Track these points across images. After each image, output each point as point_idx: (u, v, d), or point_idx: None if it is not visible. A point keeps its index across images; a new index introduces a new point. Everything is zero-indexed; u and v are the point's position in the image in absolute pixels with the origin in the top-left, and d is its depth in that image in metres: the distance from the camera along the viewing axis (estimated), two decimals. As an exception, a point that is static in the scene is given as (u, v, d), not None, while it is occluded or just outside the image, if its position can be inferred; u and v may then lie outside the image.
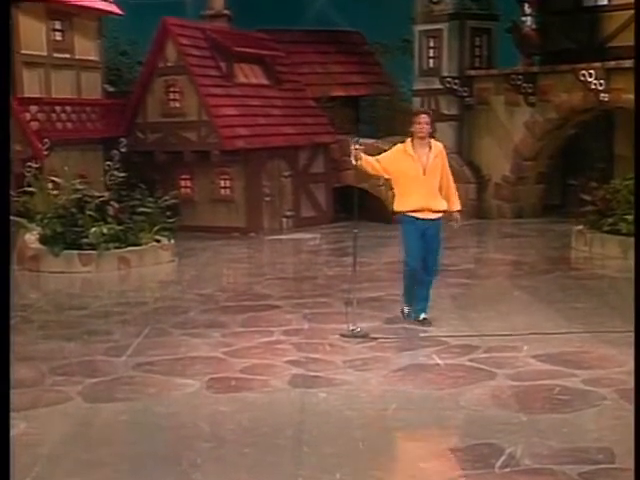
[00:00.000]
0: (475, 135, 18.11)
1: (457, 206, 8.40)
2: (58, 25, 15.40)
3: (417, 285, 8.30)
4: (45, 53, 15.14)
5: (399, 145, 8.17)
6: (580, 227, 13.29)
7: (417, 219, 8.08)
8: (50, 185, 13.55)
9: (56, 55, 15.34)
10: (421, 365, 7.12)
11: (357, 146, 8.00)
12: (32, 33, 14.84)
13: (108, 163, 16.14)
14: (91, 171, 15.80)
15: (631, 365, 6.96)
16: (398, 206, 8.24)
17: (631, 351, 7.32)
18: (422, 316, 8.34)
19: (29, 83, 14.89)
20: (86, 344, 8.02)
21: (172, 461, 5.24)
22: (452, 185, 8.32)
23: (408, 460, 5.39)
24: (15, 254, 12.71)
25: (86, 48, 15.95)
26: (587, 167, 17.82)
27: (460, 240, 14.60)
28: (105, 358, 7.53)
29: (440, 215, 8.22)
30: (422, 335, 8.07)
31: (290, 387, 6.60)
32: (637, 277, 8.39)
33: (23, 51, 14.68)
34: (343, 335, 8.02)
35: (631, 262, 11.91)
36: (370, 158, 8.18)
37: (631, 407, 5.97)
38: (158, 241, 12.92)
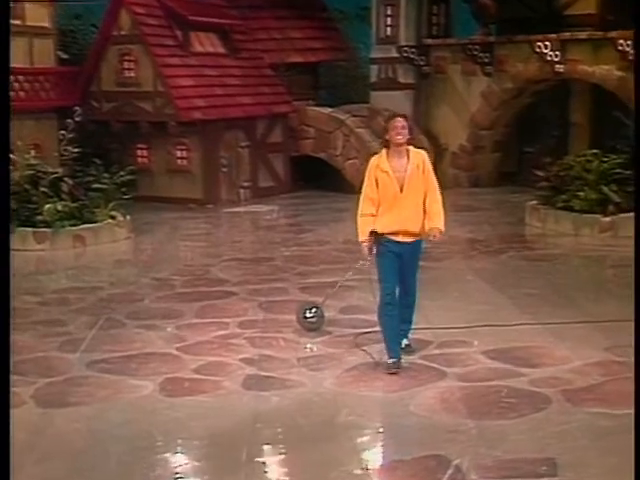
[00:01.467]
0: (432, 104, 18.14)
1: (439, 225, 7.01)
2: (9, -8, 15.07)
3: (400, 308, 7.22)
4: (-5, 21, 14.81)
5: (372, 160, 6.99)
6: (534, 202, 13.42)
7: (393, 242, 6.93)
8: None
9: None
10: (374, 364, 7.18)
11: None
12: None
13: (62, 132, 15.94)
14: (45, 140, 15.66)
15: (578, 362, 7.18)
16: (375, 226, 6.99)
17: (580, 345, 7.55)
18: (404, 342, 7.39)
19: (-21, 52, 14.58)
20: (41, 337, 8.00)
21: (123, 477, 5.29)
22: (437, 200, 7.01)
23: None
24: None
25: (38, 15, 15.67)
26: (543, 135, 18.00)
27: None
28: (59, 354, 7.54)
29: (420, 236, 7.09)
30: (376, 329, 8.12)
31: (243, 390, 6.66)
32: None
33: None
34: (298, 320, 8.11)
35: (584, 239, 12.24)
36: (368, 219, 7.01)
37: (575, 410, 6.18)
38: (114, 218, 12.86)
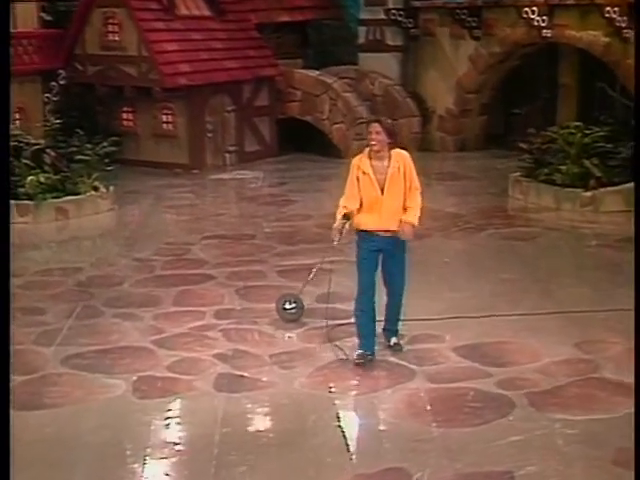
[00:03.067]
0: (420, 67, 18.02)
1: (411, 219, 7.15)
2: (-10, -47, 14.86)
3: (387, 308, 7.55)
4: (-25, -16, 14.64)
5: (354, 160, 7.17)
6: (517, 174, 13.45)
7: (374, 238, 7.14)
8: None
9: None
10: (344, 362, 7.29)
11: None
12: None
13: (47, 95, 15.92)
14: (30, 104, 15.59)
15: (546, 359, 7.30)
16: (356, 224, 7.23)
17: (551, 339, 7.67)
18: (392, 340, 7.54)
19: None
20: (18, 328, 8.06)
21: (92, 490, 5.43)
22: (415, 200, 7.17)
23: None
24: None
25: (20, -24, 15.46)
26: (531, 96, 17.92)
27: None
28: (35, 348, 7.65)
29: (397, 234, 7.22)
30: (350, 320, 8.21)
31: (214, 391, 6.77)
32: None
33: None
34: (278, 309, 8.21)
35: (564, 214, 12.30)
36: (346, 212, 7.21)
37: (538, 416, 6.30)
38: (97, 189, 12.87)
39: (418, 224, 7.27)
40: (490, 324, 8.09)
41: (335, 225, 7.30)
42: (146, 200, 13.82)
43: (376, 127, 6.93)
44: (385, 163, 7.02)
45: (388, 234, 7.16)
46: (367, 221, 7.14)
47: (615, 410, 6.27)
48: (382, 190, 7.01)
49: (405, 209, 7.14)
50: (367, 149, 7.10)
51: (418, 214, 7.21)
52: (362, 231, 7.21)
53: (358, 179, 7.07)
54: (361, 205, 7.14)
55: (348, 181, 7.18)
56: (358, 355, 7.22)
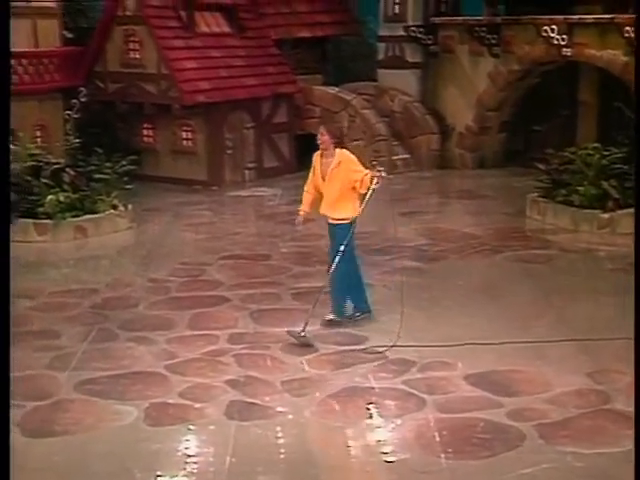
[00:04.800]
0: (439, 84, 18.04)
1: (343, 214, 8.52)
2: (12, -28, 15.02)
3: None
4: (-1, 3, 14.79)
5: (314, 155, 8.69)
6: (535, 195, 13.42)
7: (327, 221, 8.70)
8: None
9: (11, 4, 14.96)
10: (355, 389, 7.31)
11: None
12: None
13: (68, 112, 16.05)
14: (51, 121, 15.70)
15: (557, 389, 7.28)
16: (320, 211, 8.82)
17: (563, 368, 7.64)
18: (327, 317, 8.71)
19: (-17, 36, 14.60)
20: (31, 352, 8.15)
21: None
22: (350, 196, 8.47)
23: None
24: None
25: (43, -5, 15.59)
26: (551, 114, 17.89)
27: (418, 202, 14.81)
28: (48, 372, 7.70)
29: (339, 221, 8.53)
30: (362, 346, 8.24)
31: (225, 418, 6.80)
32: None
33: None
34: (290, 334, 8.24)
35: (582, 235, 12.26)
36: (307, 195, 8.84)
37: (547, 448, 6.28)
38: (115, 207, 12.96)
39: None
40: (502, 351, 8.07)
41: (299, 211, 8.90)
42: (164, 218, 13.90)
43: (322, 131, 8.49)
44: (330, 160, 8.48)
45: (331, 220, 8.60)
46: (321, 205, 8.70)
47: (625, 444, 6.22)
48: (324, 179, 8.51)
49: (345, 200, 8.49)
50: (320, 152, 8.60)
51: (367, 177, 8.34)
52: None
53: (314, 171, 8.67)
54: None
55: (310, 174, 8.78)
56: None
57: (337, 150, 8.53)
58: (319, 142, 8.53)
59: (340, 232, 8.50)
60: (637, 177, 11.49)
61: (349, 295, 8.77)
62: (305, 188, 8.85)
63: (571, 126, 17.53)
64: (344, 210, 8.50)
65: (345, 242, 8.38)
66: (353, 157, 8.55)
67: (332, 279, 8.58)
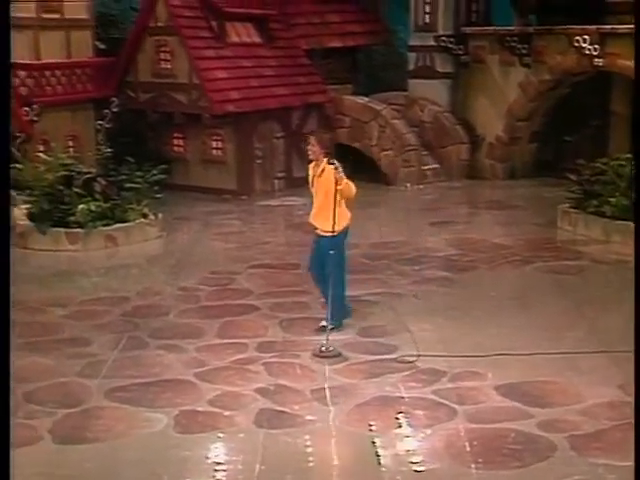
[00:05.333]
0: (470, 94, 18.02)
1: (327, 226, 8.43)
2: (46, -15, 15.20)
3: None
4: (34, 15, 14.99)
5: (310, 166, 8.77)
6: (566, 205, 13.34)
7: (316, 231, 8.74)
8: (39, 156, 13.63)
9: (45, 16, 15.18)
10: (385, 398, 7.28)
11: None
12: (20, -5, 14.68)
13: (100, 122, 16.18)
14: (82, 131, 15.90)
15: (589, 400, 7.21)
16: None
17: (594, 379, 7.58)
18: (321, 323, 8.64)
19: (18, 46, 14.67)
20: (63, 359, 8.20)
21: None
22: (329, 207, 8.30)
23: None
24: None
25: (75, 7, 15.71)
26: (582, 124, 17.79)
27: (448, 212, 14.79)
28: (79, 380, 7.73)
29: (327, 233, 8.51)
30: (392, 355, 8.21)
31: (254, 427, 6.79)
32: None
33: (11, 14, 14.50)
34: (315, 355, 8.17)
35: (613, 246, 12.14)
36: None
37: (579, 460, 6.23)
38: (146, 216, 13.03)
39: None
40: (533, 362, 8.01)
41: None
42: (194, 227, 13.96)
43: (312, 141, 8.53)
44: (319, 170, 8.50)
45: (321, 232, 8.62)
46: (312, 218, 8.76)
47: (658, 456, 6.15)
48: (312, 185, 8.61)
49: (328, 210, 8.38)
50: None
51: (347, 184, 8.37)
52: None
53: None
54: None
55: None
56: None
57: (325, 160, 8.49)
58: (309, 152, 8.57)
59: (327, 242, 8.52)
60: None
61: (343, 302, 8.85)
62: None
63: (602, 137, 17.41)
64: (329, 221, 8.38)
65: (332, 251, 8.42)
66: (328, 170, 8.35)
67: (327, 291, 8.53)
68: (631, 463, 6.03)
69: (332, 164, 8.30)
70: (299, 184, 16.83)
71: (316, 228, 8.71)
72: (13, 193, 13.08)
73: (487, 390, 7.43)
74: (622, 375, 7.66)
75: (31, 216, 12.54)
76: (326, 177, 8.41)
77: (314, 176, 8.56)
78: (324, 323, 8.57)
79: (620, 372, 7.73)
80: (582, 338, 8.67)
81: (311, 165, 8.68)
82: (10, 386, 5.40)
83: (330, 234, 8.45)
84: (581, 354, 8.18)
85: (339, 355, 8.18)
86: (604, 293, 10.39)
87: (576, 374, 7.74)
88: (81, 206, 12.42)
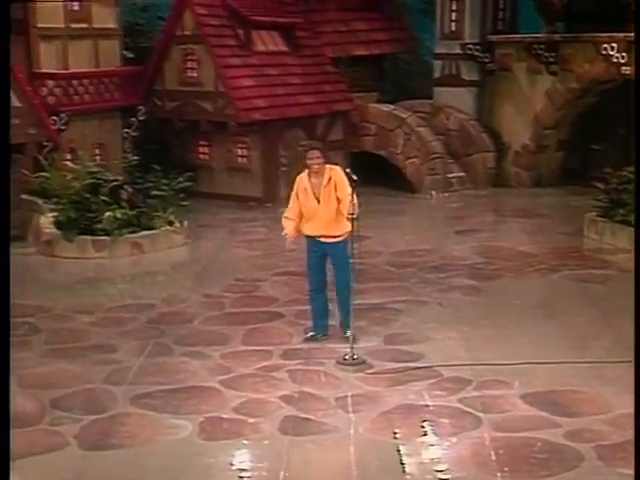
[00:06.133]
0: (496, 102, 17.94)
1: (344, 229, 8.40)
2: (75, -5, 15.33)
3: (338, 303, 8.78)
4: (62, 25, 15.11)
5: (298, 178, 8.66)
6: (593, 214, 13.25)
7: (318, 243, 8.61)
8: (66, 164, 13.75)
9: (73, 26, 15.29)
10: (410, 407, 7.26)
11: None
12: (49, 5, 14.80)
13: (126, 131, 16.28)
14: (109, 139, 16.01)
15: (617, 410, 7.14)
16: (303, 230, 8.75)
17: (621, 389, 7.50)
18: (347, 332, 8.44)
19: (46, 56, 14.95)
20: (89, 366, 8.24)
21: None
22: (344, 207, 8.24)
23: None
24: (31, 235, 12.98)
25: (103, 16, 15.86)
26: (610, 132, 17.67)
27: (473, 220, 14.73)
28: (105, 386, 7.77)
29: (341, 237, 8.51)
30: (417, 364, 8.19)
31: (279, 434, 6.79)
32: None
33: (40, 25, 14.71)
34: (340, 362, 8.16)
35: None
36: (290, 221, 8.75)
37: (606, 470, 6.18)
38: (171, 224, 13.08)
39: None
40: (560, 371, 7.96)
41: (286, 235, 8.85)
42: (219, 234, 14.00)
43: (316, 153, 8.45)
44: (321, 179, 8.42)
45: (327, 239, 8.56)
46: (311, 228, 8.62)
47: (687, 467, 6.08)
48: (318, 200, 8.43)
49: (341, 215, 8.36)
50: (307, 170, 8.51)
51: (349, 208, 8.14)
52: (307, 237, 8.75)
53: (298, 195, 8.58)
54: (303, 216, 8.61)
55: (291, 197, 8.72)
56: (310, 335, 8.83)
57: (327, 167, 8.45)
58: (313, 164, 8.41)
59: (341, 249, 8.50)
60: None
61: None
62: (286, 214, 8.76)
63: (630, 145, 17.25)
64: (341, 227, 8.42)
65: (350, 258, 8.34)
66: (342, 175, 8.38)
67: (342, 295, 8.63)
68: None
69: (348, 175, 8.23)
70: (324, 192, 16.90)
71: (315, 237, 8.61)
72: (40, 201, 13.26)
73: (513, 399, 7.39)
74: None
75: (58, 224, 12.62)
76: (336, 185, 8.36)
77: (319, 187, 8.40)
78: (349, 332, 8.46)
79: (648, 382, 7.65)
80: (609, 347, 8.61)
81: (304, 177, 8.54)
82: (9, 391, 5.43)
83: (342, 240, 8.47)
84: (608, 363, 8.11)
85: (364, 363, 8.16)
86: (631, 302, 10.20)
87: (603, 383, 7.68)
88: (107, 214, 12.48)
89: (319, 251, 8.68)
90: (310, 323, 9.12)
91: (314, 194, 8.45)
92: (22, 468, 6.20)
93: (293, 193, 8.70)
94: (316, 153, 8.46)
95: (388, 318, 9.55)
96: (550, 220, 14.60)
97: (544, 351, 8.45)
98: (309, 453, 6.51)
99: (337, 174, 8.46)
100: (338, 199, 8.37)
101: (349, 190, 8.19)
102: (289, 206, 8.75)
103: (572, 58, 16.62)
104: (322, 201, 8.44)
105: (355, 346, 8.25)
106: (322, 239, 8.59)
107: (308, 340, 8.80)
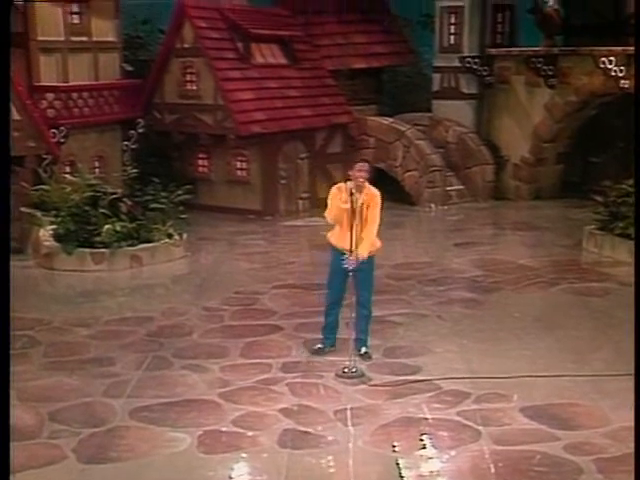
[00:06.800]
0: (494, 115, 17.99)
1: (362, 252, 8.27)
2: (75, 8, 15.30)
3: (355, 318, 8.59)
4: (62, 38, 15.11)
5: (335, 189, 8.50)
6: (592, 227, 13.26)
7: (344, 255, 8.34)
8: (66, 177, 13.75)
9: (73, 39, 15.29)
10: (409, 420, 7.25)
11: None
12: (49, 18, 14.83)
13: (126, 143, 16.30)
14: (109, 152, 15.98)
15: (616, 424, 7.13)
16: (331, 239, 8.67)
17: (620, 402, 7.50)
18: (363, 350, 8.58)
19: (46, 69, 14.94)
20: (88, 379, 8.22)
21: None
22: (371, 232, 8.32)
23: None
24: (30, 248, 12.98)
25: (103, 29, 15.86)
26: (609, 145, 17.71)
27: (473, 233, 14.74)
28: (104, 400, 7.74)
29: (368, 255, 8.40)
30: (417, 377, 8.18)
31: (278, 447, 6.78)
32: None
33: (40, 37, 14.73)
34: (339, 376, 8.15)
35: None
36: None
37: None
38: (170, 237, 13.07)
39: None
40: (559, 384, 7.96)
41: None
42: (218, 247, 14.00)
43: (365, 166, 8.35)
44: (360, 195, 8.25)
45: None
46: (340, 241, 8.45)
47: (686, 480, 6.07)
48: (354, 215, 8.22)
49: (361, 238, 8.27)
50: (349, 182, 8.32)
51: (369, 247, 8.33)
52: (335, 249, 8.58)
53: (336, 200, 8.39)
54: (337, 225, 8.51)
55: (333, 199, 8.48)
56: (317, 348, 8.82)
57: (367, 185, 8.34)
58: (359, 177, 8.24)
59: (365, 266, 8.41)
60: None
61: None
62: (326, 214, 8.63)
63: (628, 158, 17.28)
64: (371, 241, 8.42)
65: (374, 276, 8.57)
66: (379, 199, 8.34)
67: (362, 310, 8.63)
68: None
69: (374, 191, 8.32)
70: (323, 204, 16.86)
71: (342, 249, 8.42)
72: (39, 214, 13.25)
73: (512, 412, 7.38)
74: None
75: (57, 237, 12.61)
76: (369, 206, 8.27)
77: (357, 201, 8.20)
78: (364, 349, 8.63)
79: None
80: (608, 360, 8.60)
81: (344, 188, 8.31)
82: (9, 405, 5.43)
83: (368, 257, 8.39)
84: (607, 377, 8.11)
85: (363, 376, 8.16)
86: (630, 315, 10.24)
87: (602, 397, 7.67)
88: (107, 226, 12.48)
89: (343, 265, 8.36)
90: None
91: (351, 206, 8.24)
92: (18, 483, 6.19)
93: (331, 202, 8.50)
94: (365, 167, 8.35)
95: (387, 331, 9.54)
96: (549, 233, 14.61)
97: (543, 364, 8.45)
98: (308, 466, 6.49)
99: (375, 197, 8.33)
100: (367, 220, 8.27)
101: (378, 217, 8.31)
102: (329, 209, 8.55)
103: (570, 71, 16.68)
104: (357, 215, 8.24)
105: (354, 359, 8.24)
106: (352, 254, 8.28)
107: (315, 353, 8.77)
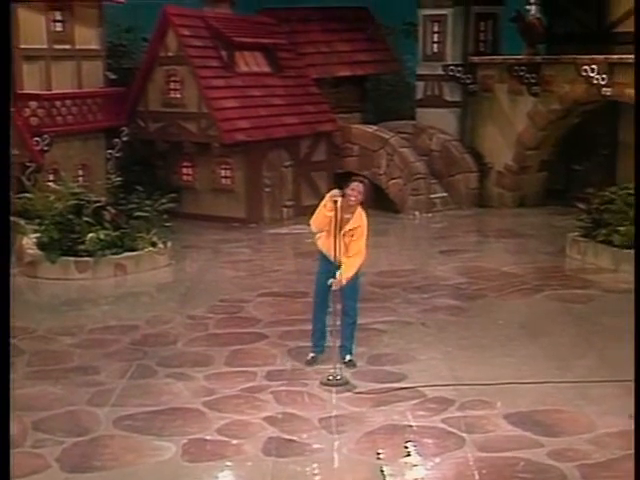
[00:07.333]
0: (478, 123, 18.05)
1: (343, 276, 8.23)
2: (58, 16, 15.26)
3: (340, 326, 8.57)
4: (45, 45, 15.08)
5: (329, 197, 8.10)
6: (575, 234, 13.33)
7: (331, 263, 8.29)
8: (49, 185, 13.73)
9: (56, 47, 15.26)
10: (394, 427, 7.26)
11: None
12: (32, 26, 14.82)
13: (110, 151, 16.27)
14: (93, 160, 15.96)
15: (600, 430, 7.17)
16: (318, 242, 8.56)
17: (605, 409, 7.55)
18: (347, 357, 8.58)
19: (29, 77, 14.91)
20: (72, 388, 8.20)
21: None
22: (355, 262, 8.27)
23: None
24: (14, 256, 12.92)
25: (87, 37, 15.83)
26: (592, 153, 17.80)
27: (457, 240, 14.78)
28: (89, 409, 7.72)
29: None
30: (401, 384, 8.19)
31: (263, 455, 6.77)
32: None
33: (22, 45, 14.69)
34: (323, 383, 8.16)
35: (622, 275, 12.10)
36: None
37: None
38: (155, 245, 13.05)
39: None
40: (543, 391, 7.99)
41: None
42: (203, 255, 13.99)
43: (359, 187, 8.10)
44: (350, 216, 8.12)
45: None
46: (325, 247, 8.37)
47: (669, 486, 6.10)
48: (341, 229, 8.05)
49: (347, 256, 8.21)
50: (342, 199, 8.01)
51: (353, 269, 8.29)
52: (323, 254, 8.50)
53: (326, 210, 8.11)
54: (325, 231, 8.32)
55: (320, 207, 8.22)
56: (312, 357, 8.73)
57: (359, 209, 8.22)
58: (351, 196, 8.05)
59: (354, 279, 8.46)
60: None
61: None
62: (312, 220, 8.41)
63: (611, 166, 17.43)
64: (353, 269, 8.37)
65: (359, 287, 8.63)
66: (364, 229, 8.24)
67: (348, 320, 8.63)
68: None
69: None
70: (308, 212, 16.84)
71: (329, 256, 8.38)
72: (23, 222, 13.21)
73: (496, 419, 7.40)
74: (633, 404, 7.60)
75: (41, 245, 12.57)
76: (354, 234, 8.18)
77: (345, 223, 8.09)
78: (349, 357, 8.62)
79: (631, 401, 7.62)
80: (592, 367, 8.65)
81: (334, 201, 7.98)
82: (10, 412, 5.41)
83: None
84: (591, 383, 8.16)
85: (347, 383, 8.16)
86: (614, 322, 10.31)
87: (586, 403, 7.71)
88: (90, 235, 12.44)
89: (330, 270, 8.29)
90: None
91: (340, 224, 8.05)
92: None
93: (322, 208, 8.21)
94: (359, 187, 8.12)
95: (372, 338, 9.55)
96: (533, 240, 14.68)
97: (527, 371, 8.48)
98: (293, 474, 6.49)
99: (360, 227, 8.21)
100: (350, 248, 8.21)
101: (364, 249, 8.29)
102: (316, 216, 8.33)
103: (553, 80, 16.77)
104: (345, 233, 8.14)
105: (338, 366, 8.25)
106: (336, 262, 8.25)
107: (309, 364, 8.66)
